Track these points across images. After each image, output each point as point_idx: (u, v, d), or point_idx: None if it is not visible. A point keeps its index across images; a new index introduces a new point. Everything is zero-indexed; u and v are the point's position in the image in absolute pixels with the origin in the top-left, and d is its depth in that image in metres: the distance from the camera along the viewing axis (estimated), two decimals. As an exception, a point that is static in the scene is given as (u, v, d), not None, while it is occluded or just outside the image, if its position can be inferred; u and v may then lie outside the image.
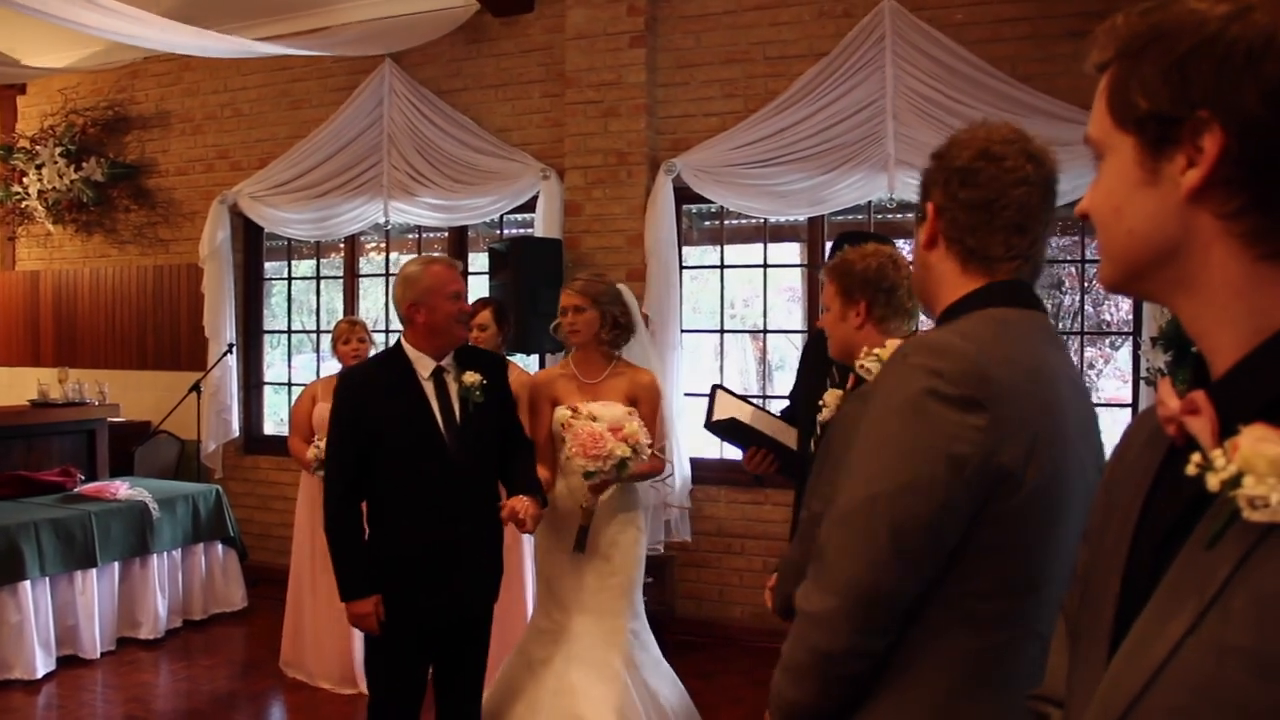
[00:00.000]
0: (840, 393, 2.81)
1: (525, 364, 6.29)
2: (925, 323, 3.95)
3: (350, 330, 5.28)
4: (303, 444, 5.19)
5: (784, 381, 8.41)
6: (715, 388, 3.59)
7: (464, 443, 3.34)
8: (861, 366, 2.27)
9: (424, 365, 3.34)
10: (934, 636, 1.40)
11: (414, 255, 7.30)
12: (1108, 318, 8.34)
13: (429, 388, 3.34)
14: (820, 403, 2.96)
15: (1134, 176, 0.92)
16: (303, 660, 5.22)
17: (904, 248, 7.13)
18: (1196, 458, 0.84)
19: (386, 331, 7.54)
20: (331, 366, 5.74)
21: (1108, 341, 7.21)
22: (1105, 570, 1.01)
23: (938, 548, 1.37)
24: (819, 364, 3.15)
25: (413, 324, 3.31)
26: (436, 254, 3.45)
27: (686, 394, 5.96)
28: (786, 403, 3.93)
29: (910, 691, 1.41)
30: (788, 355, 8.49)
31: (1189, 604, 0.83)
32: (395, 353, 3.39)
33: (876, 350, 2.28)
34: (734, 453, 4.66)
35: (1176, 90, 0.87)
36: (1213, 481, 0.81)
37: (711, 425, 3.49)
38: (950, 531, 1.37)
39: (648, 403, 3.99)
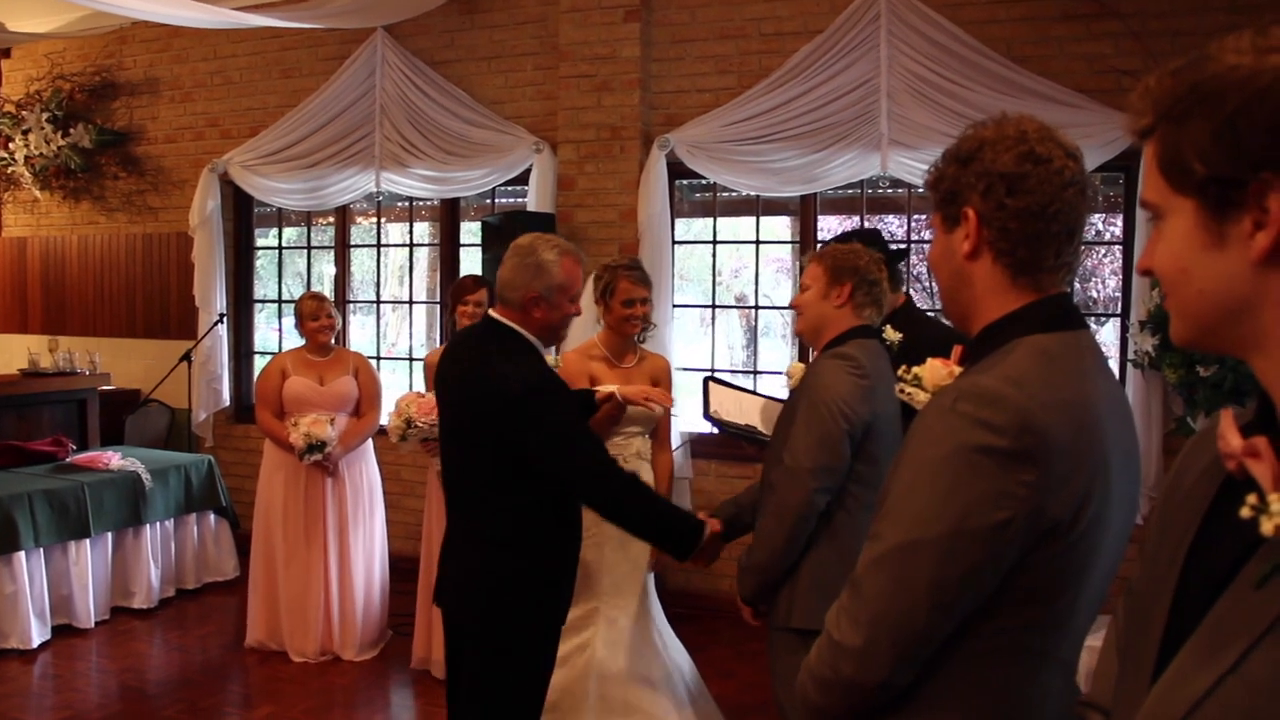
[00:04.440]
0: (804, 366, 2.94)
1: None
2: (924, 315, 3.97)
3: (319, 307, 5.22)
4: (273, 419, 5.17)
5: (769, 353, 8.46)
6: (707, 380, 3.64)
7: None
8: (902, 391, 2.27)
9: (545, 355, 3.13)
10: (960, 663, 1.40)
11: (405, 225, 7.30)
12: (1094, 294, 8.40)
13: None
14: (787, 373, 3.14)
15: (1199, 239, 0.92)
16: (278, 635, 5.25)
17: (894, 223, 7.11)
18: (1252, 499, 0.85)
19: (378, 302, 7.54)
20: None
21: (1093, 319, 7.25)
22: (1155, 593, 1.04)
23: (975, 596, 1.36)
24: None
25: (526, 314, 2.94)
26: (566, 242, 3.06)
27: (679, 369, 5.99)
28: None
29: (933, 714, 1.43)
30: (773, 324, 8.54)
31: (1235, 641, 0.86)
32: (523, 341, 2.97)
33: (916, 370, 2.29)
34: (699, 423, 4.71)
35: (1231, 150, 0.87)
36: (1267, 526, 0.83)
37: (708, 417, 3.57)
38: (989, 581, 1.35)
39: (668, 382, 4.09)
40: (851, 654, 1.40)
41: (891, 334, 3.34)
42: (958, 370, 1.82)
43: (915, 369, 2.25)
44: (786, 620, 2.78)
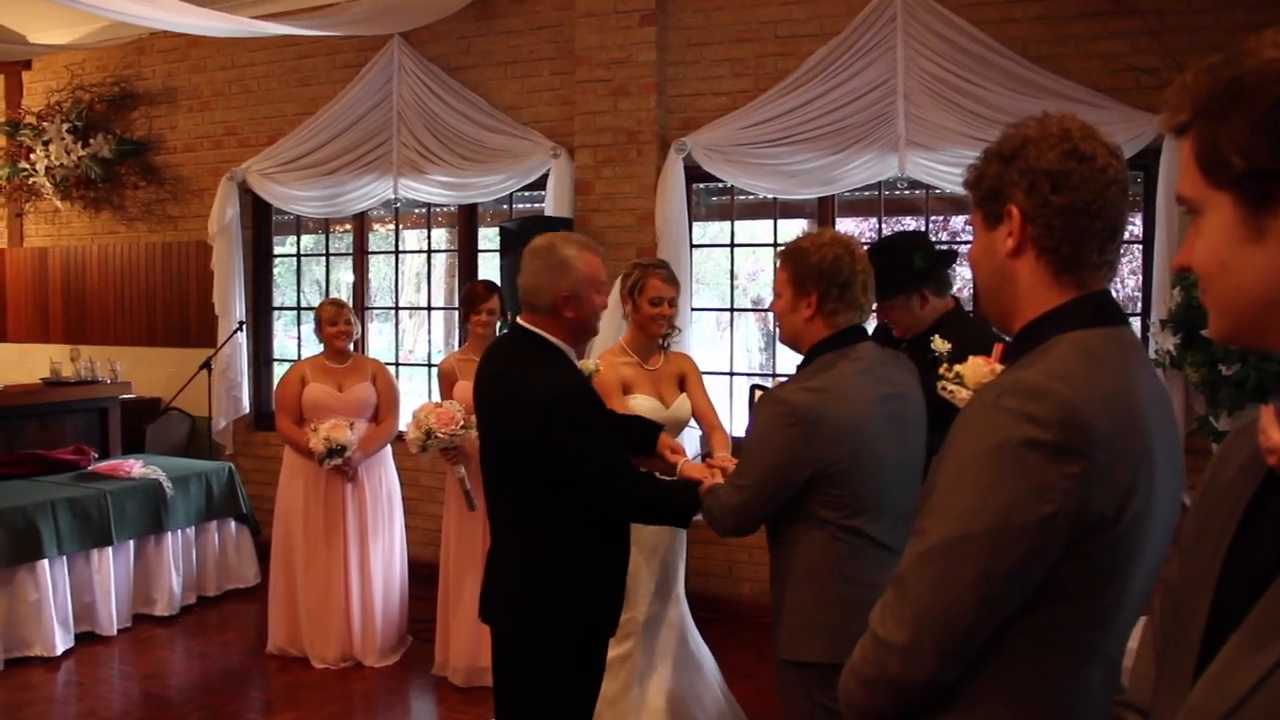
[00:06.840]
0: None
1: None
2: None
3: (337, 313, 5.25)
4: (293, 425, 5.19)
5: (787, 356, 8.43)
6: (754, 388, 3.63)
7: None
8: (944, 389, 2.25)
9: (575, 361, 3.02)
10: (1004, 659, 1.39)
11: (423, 231, 7.32)
12: (1114, 293, 8.34)
13: None
14: None
15: (1237, 234, 0.92)
16: (298, 642, 5.26)
17: (912, 225, 7.08)
18: None
19: (395, 308, 7.56)
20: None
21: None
22: (1195, 589, 1.03)
23: (1021, 591, 1.35)
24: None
25: (556, 316, 2.85)
26: (581, 236, 3.03)
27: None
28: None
29: (977, 711, 1.42)
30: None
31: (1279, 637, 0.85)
32: (552, 348, 2.88)
33: (958, 368, 2.27)
34: (741, 430, 4.69)
35: (1271, 144, 0.87)
36: None
37: None
38: (1034, 575, 1.34)
39: (695, 375, 4.03)
40: (896, 651, 1.39)
41: (940, 344, 3.21)
42: (1000, 368, 1.81)
43: (958, 367, 2.24)
44: (776, 649, 2.68)
